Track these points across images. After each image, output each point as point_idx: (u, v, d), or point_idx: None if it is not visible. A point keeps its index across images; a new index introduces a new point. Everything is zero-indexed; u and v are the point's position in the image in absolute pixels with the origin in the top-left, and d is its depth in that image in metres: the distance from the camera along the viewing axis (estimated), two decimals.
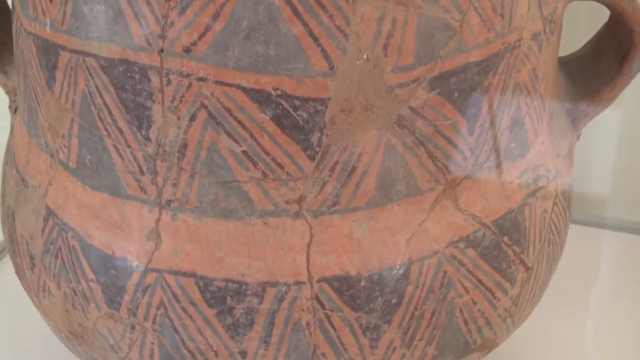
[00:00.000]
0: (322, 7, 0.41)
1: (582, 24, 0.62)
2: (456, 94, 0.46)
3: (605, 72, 0.58)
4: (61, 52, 0.45)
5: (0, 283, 0.75)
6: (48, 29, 0.46)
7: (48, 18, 0.45)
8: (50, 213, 0.50)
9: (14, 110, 0.56)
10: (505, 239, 0.51)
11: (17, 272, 0.56)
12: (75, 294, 0.50)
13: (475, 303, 0.51)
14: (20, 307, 0.66)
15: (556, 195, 0.56)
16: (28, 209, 0.52)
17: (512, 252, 0.51)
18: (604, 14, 0.57)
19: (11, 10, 0.55)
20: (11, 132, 0.56)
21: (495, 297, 0.51)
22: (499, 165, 0.50)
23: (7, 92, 0.58)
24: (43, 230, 0.51)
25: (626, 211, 0.81)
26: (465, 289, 0.50)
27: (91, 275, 0.48)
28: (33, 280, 0.53)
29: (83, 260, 0.49)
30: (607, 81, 0.58)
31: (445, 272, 0.49)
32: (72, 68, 0.45)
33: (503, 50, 0.47)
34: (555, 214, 0.55)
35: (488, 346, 0.54)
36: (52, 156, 0.49)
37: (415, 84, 0.44)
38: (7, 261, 0.74)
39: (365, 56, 0.43)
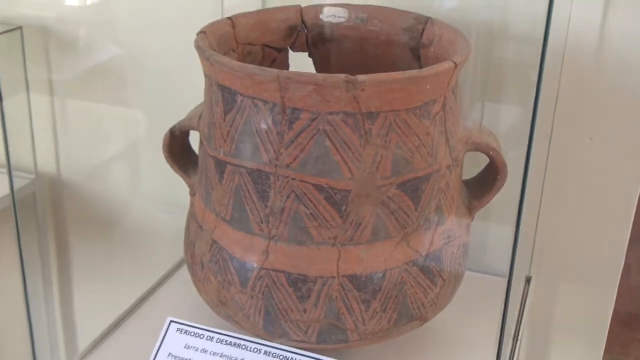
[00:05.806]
0: (349, 148, 0.70)
1: (476, 162, 0.83)
2: (410, 192, 0.73)
3: (486, 187, 0.83)
4: (228, 166, 0.76)
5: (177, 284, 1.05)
6: (222, 154, 0.77)
7: (222, 149, 0.76)
8: (214, 242, 0.79)
9: (193, 194, 0.88)
10: (433, 264, 0.78)
11: (193, 274, 0.84)
12: (225, 281, 0.78)
13: (417, 294, 0.77)
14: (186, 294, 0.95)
15: (459, 246, 0.81)
16: (203, 241, 0.81)
17: (436, 270, 0.78)
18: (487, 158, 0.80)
19: (193, 145, 0.88)
20: (191, 205, 0.87)
21: (427, 293, 0.78)
22: (430, 228, 0.77)
23: (190, 186, 0.88)
24: (210, 251, 0.80)
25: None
26: (412, 286, 0.76)
27: (234, 272, 0.77)
28: (202, 276, 0.82)
29: (230, 264, 0.78)
30: (487, 192, 0.83)
31: (402, 277, 0.76)
32: (232, 173, 0.75)
33: (432, 172, 0.74)
34: (459, 255, 0.82)
35: (423, 319, 0.80)
36: (217, 215, 0.79)
37: (390, 186, 0.72)
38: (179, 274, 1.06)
39: (367, 171, 0.71)
